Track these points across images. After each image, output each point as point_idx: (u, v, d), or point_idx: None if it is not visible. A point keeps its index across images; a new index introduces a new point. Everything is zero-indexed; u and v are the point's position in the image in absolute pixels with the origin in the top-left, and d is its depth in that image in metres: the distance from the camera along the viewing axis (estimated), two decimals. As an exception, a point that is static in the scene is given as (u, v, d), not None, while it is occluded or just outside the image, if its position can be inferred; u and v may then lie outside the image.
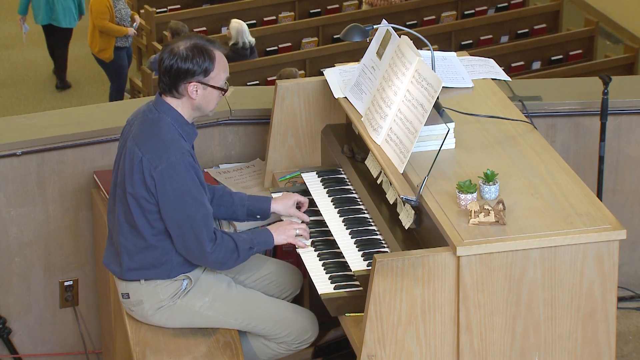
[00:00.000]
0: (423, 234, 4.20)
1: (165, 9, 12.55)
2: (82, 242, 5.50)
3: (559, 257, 3.91)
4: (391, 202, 4.43)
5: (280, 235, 4.54)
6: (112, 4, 10.64)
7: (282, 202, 4.71)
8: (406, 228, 4.26)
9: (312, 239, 4.58)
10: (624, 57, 11.22)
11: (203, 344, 4.52)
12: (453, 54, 5.23)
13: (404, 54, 4.48)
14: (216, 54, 4.30)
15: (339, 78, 4.97)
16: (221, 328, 4.59)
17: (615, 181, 5.70)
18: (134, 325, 4.57)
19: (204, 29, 11.85)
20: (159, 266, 4.42)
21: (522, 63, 11.35)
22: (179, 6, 12.60)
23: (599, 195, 5.40)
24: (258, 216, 4.73)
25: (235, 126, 5.56)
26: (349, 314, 4.26)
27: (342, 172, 4.90)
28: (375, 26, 4.70)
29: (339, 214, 4.61)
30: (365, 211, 4.62)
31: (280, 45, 11.62)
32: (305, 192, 4.85)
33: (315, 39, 11.77)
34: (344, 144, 4.91)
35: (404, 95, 4.41)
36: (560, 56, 11.53)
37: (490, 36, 11.94)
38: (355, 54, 10.48)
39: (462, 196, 4.03)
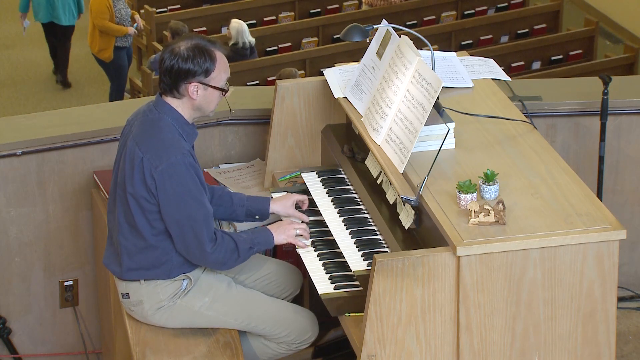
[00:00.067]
0: (423, 234, 4.20)
1: (165, 9, 12.55)
2: (82, 242, 5.50)
3: (559, 257, 3.91)
4: (391, 202, 4.43)
5: (281, 235, 4.54)
6: (112, 4, 10.64)
7: (281, 203, 4.72)
8: (406, 228, 4.26)
9: (312, 239, 4.58)
10: (624, 57, 11.22)
11: (203, 344, 4.52)
12: (453, 54, 5.23)
13: (404, 54, 4.48)
14: (217, 54, 4.30)
15: (339, 78, 4.97)
16: (221, 328, 4.59)
17: (615, 181, 5.70)
18: (134, 325, 4.57)
19: (204, 29, 11.85)
20: (159, 266, 4.42)
21: (522, 63, 11.35)
22: (179, 6, 12.60)
23: (599, 195, 5.40)
24: (257, 216, 4.73)
25: (235, 126, 5.56)
26: (349, 314, 4.26)
27: (342, 172, 4.90)
28: (375, 26, 4.70)
29: (339, 214, 4.61)
30: (365, 211, 4.62)
31: (280, 45, 11.62)
32: (305, 192, 4.85)
33: (315, 39, 11.77)
34: (344, 144, 4.91)
35: (404, 95, 4.41)
36: (560, 56, 11.53)
37: (490, 36, 11.94)
38: (355, 54, 10.48)
39: (462, 196, 4.03)
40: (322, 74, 5.07)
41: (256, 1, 12.25)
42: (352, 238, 4.45)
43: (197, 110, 4.36)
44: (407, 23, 11.82)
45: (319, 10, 12.56)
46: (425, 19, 12.24)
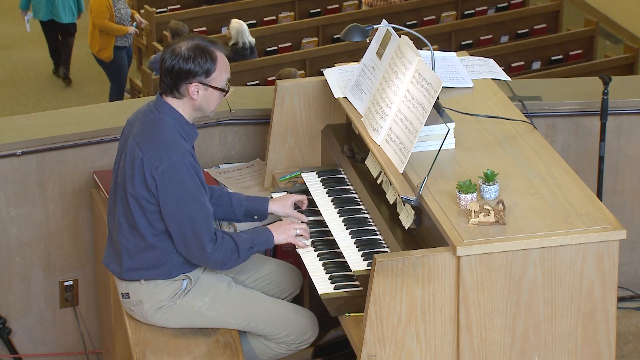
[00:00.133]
0: (423, 234, 4.20)
1: (165, 9, 12.55)
2: (82, 242, 5.50)
3: (559, 257, 3.91)
4: (391, 202, 4.43)
5: (281, 234, 4.54)
6: (112, 4, 10.65)
7: (280, 203, 4.72)
8: (406, 228, 4.26)
9: (312, 239, 4.58)
10: (624, 57, 11.22)
11: (203, 344, 4.52)
12: (453, 54, 5.23)
13: (404, 54, 4.48)
14: (218, 54, 4.30)
15: (339, 78, 4.97)
16: (221, 328, 4.59)
17: (615, 181, 5.70)
18: (134, 325, 4.57)
19: (204, 29, 11.86)
20: (159, 266, 4.42)
21: (522, 63, 11.35)
22: (179, 6, 12.60)
23: (599, 195, 5.40)
24: (255, 217, 4.74)
25: (235, 126, 5.56)
26: (349, 314, 4.26)
27: (342, 172, 4.90)
28: (375, 26, 4.70)
29: (339, 214, 4.61)
30: (365, 211, 4.62)
31: (280, 45, 11.62)
32: (305, 192, 4.85)
33: (315, 39, 11.77)
34: (344, 144, 4.91)
35: (404, 95, 4.41)
36: (560, 56, 11.53)
37: (490, 36, 11.94)
38: (355, 54, 10.48)
39: (462, 196, 4.03)
40: (322, 74, 5.07)
41: (256, 1, 12.25)
42: (352, 238, 4.45)
43: (198, 111, 4.36)
44: (407, 23, 11.81)
45: (319, 10, 12.56)
46: (425, 19, 12.24)
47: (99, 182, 5.24)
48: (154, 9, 12.01)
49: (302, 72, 10.89)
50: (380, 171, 4.53)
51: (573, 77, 9.41)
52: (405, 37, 4.57)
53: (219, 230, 4.40)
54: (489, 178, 4.07)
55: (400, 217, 4.32)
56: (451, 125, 4.38)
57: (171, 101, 4.34)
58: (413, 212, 4.20)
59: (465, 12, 12.47)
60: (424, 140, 4.38)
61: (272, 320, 4.59)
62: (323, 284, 4.32)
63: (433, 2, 12.33)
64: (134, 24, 10.95)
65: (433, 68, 4.67)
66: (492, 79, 5.07)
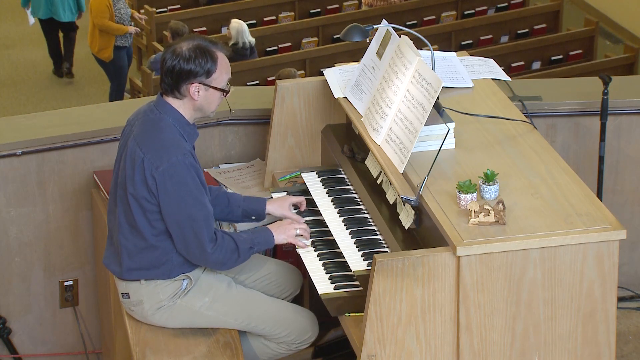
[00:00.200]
0: (423, 234, 4.20)
1: (165, 9, 12.55)
2: (82, 242, 5.50)
3: (559, 257, 3.91)
4: (391, 202, 4.43)
5: (281, 234, 4.54)
6: (112, 3, 10.66)
7: (277, 204, 4.72)
8: (406, 228, 4.26)
9: (312, 239, 4.58)
10: (624, 57, 11.22)
11: (203, 344, 4.52)
12: (453, 54, 5.23)
13: (404, 54, 4.48)
14: (219, 55, 4.30)
15: (339, 78, 4.97)
16: (221, 328, 4.59)
17: (615, 181, 5.70)
18: (134, 325, 4.57)
19: (204, 29, 11.86)
20: (159, 266, 4.42)
21: (522, 63, 11.35)
22: (179, 6, 12.61)
23: (599, 195, 5.40)
24: (253, 217, 4.74)
25: (235, 126, 5.56)
26: (349, 314, 4.26)
27: (342, 172, 4.90)
28: (375, 26, 4.70)
29: (339, 214, 4.61)
30: (365, 211, 4.62)
31: (280, 45, 11.63)
32: (305, 192, 4.85)
33: (315, 39, 11.77)
34: (344, 144, 4.91)
35: (404, 95, 4.41)
36: (560, 56, 11.53)
37: (490, 36, 11.94)
38: (355, 54, 10.48)
39: (462, 196, 4.03)
40: (322, 74, 5.07)
41: (256, 1, 12.25)
42: (352, 238, 4.46)
43: (198, 111, 4.36)
44: (407, 23, 11.82)
45: (319, 10, 12.56)
46: (425, 19, 12.24)
47: (99, 182, 5.24)
48: (154, 9, 12.02)
49: (302, 72, 10.89)
50: (380, 171, 4.53)
51: (573, 77, 9.41)
52: (405, 37, 4.57)
53: (219, 231, 4.40)
54: (489, 178, 4.07)
55: (400, 217, 4.32)
56: (451, 125, 4.38)
57: (172, 101, 4.34)
58: (413, 212, 4.20)
59: (465, 12, 12.47)
60: (424, 140, 4.38)
61: (272, 320, 4.59)
62: (323, 284, 4.32)
63: (433, 2, 12.33)
64: (134, 22, 10.98)
65: (433, 68, 4.67)
66: (492, 79, 5.07)
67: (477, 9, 12.50)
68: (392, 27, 4.65)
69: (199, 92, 4.29)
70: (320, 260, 4.47)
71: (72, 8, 11.53)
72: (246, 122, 5.55)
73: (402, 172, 4.28)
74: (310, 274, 4.41)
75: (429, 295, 3.91)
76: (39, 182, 5.34)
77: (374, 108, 4.56)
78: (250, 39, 10.66)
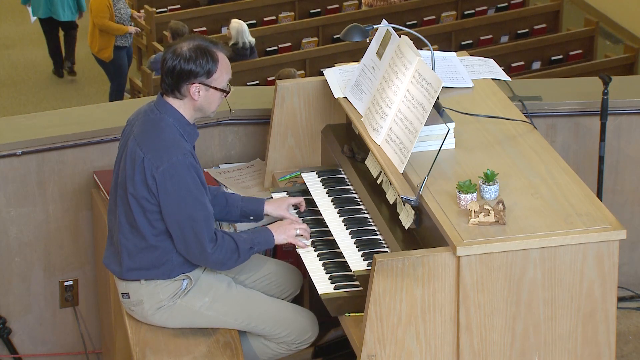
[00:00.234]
0: (423, 234, 4.20)
1: (165, 9, 12.56)
2: (82, 242, 5.50)
3: (559, 257, 3.91)
4: (391, 202, 4.43)
5: (281, 235, 4.54)
6: (112, 3, 10.66)
7: (275, 205, 4.72)
8: (406, 228, 4.26)
9: (312, 239, 4.58)
10: (624, 57, 11.22)
11: (203, 344, 4.52)
12: (453, 54, 5.23)
13: (404, 54, 4.48)
14: (219, 55, 4.30)
15: (339, 78, 4.97)
16: (221, 328, 4.59)
17: (615, 181, 5.70)
18: (134, 325, 4.57)
19: (204, 29, 11.86)
20: (160, 266, 4.42)
21: (522, 63, 11.35)
22: (179, 6, 12.61)
23: (599, 195, 5.40)
24: (251, 217, 4.74)
25: (235, 126, 5.56)
26: (349, 314, 4.26)
27: (342, 172, 4.90)
28: (375, 26, 4.70)
29: (339, 214, 4.61)
30: (365, 211, 4.62)
31: (280, 45, 11.63)
32: (305, 192, 4.85)
33: (315, 39, 11.77)
34: (344, 144, 4.91)
35: (404, 95, 4.41)
36: (560, 56, 11.53)
37: (490, 36, 11.94)
38: (355, 54, 10.48)
39: (462, 196, 4.03)
40: (322, 74, 5.07)
41: (256, 1, 12.25)
42: (352, 238, 4.46)
43: (199, 111, 4.36)
44: (407, 23, 11.82)
45: (319, 10, 12.56)
46: (425, 19, 12.24)
47: (99, 182, 5.24)
48: (154, 9, 12.02)
49: (302, 72, 10.89)
50: (380, 171, 4.53)
51: (573, 77, 9.41)
52: (405, 37, 4.57)
53: (219, 231, 4.40)
54: (489, 178, 4.07)
55: (400, 217, 4.32)
56: (451, 125, 4.38)
57: (172, 101, 4.34)
58: (413, 212, 4.20)
59: (465, 12, 12.47)
60: (424, 140, 4.38)
61: (272, 320, 4.59)
62: (323, 284, 4.32)
63: (433, 2, 12.33)
64: (134, 18, 10.99)
65: (433, 68, 4.67)
66: (492, 79, 5.08)
67: (477, 9, 12.50)
68: (392, 27, 4.65)
69: (199, 92, 4.29)
70: (320, 260, 4.47)
71: (71, 7, 11.54)
72: (246, 122, 5.55)
73: (402, 172, 4.28)
74: (310, 274, 4.41)
75: (429, 295, 3.91)
76: (39, 182, 5.34)
77: (374, 108, 4.56)
78: (250, 39, 10.66)
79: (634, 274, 5.83)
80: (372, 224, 4.54)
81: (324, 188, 4.81)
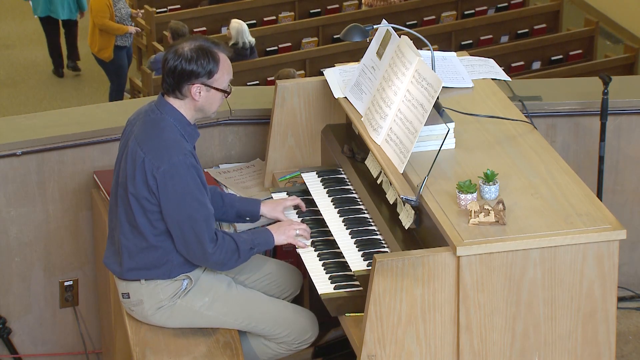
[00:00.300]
0: (423, 234, 4.20)
1: (165, 9, 12.56)
2: (82, 242, 5.50)
3: (559, 257, 3.91)
4: (391, 202, 4.43)
5: (281, 235, 4.54)
6: (112, 3, 10.66)
7: (271, 206, 4.72)
8: (406, 228, 4.26)
9: (312, 239, 4.58)
10: (624, 57, 11.23)
11: (203, 344, 4.52)
12: (453, 54, 5.23)
13: (404, 54, 4.48)
14: (221, 56, 4.30)
15: (339, 78, 4.97)
16: (221, 328, 4.59)
17: (615, 181, 5.70)
18: (134, 325, 4.57)
19: (204, 29, 11.86)
20: (160, 266, 4.42)
21: (522, 63, 11.35)
22: (179, 6, 12.61)
23: (599, 195, 5.40)
24: (247, 218, 4.74)
25: (235, 126, 5.56)
26: (349, 314, 4.26)
27: (342, 172, 4.90)
28: (375, 26, 4.70)
29: (339, 214, 4.61)
30: (365, 211, 4.62)
31: (280, 45, 11.63)
32: (305, 192, 4.85)
33: (315, 39, 11.77)
34: (344, 144, 4.91)
35: (404, 95, 4.41)
36: (560, 56, 11.54)
37: (490, 36, 11.94)
38: (355, 54, 10.48)
39: (462, 196, 4.03)
40: (322, 74, 5.07)
41: (256, 1, 12.25)
42: (352, 238, 4.46)
43: (199, 111, 4.37)
44: (407, 23, 11.82)
45: (319, 10, 12.56)
46: (425, 19, 12.24)
47: (99, 182, 5.24)
48: (154, 9, 12.02)
49: (302, 72, 10.89)
50: (380, 171, 4.53)
51: (573, 77, 9.41)
52: (405, 37, 4.57)
53: (220, 231, 4.40)
54: (489, 178, 4.07)
55: (400, 217, 4.32)
56: (451, 125, 4.38)
57: (173, 101, 4.34)
58: (413, 212, 4.20)
59: (465, 12, 12.48)
60: (424, 140, 4.38)
61: (272, 321, 4.59)
62: (323, 284, 4.32)
63: (433, 2, 12.33)
64: (132, 23, 10.98)
65: (433, 68, 4.67)
66: (492, 79, 5.07)
67: (477, 9, 12.50)
68: (392, 27, 4.65)
69: (200, 92, 4.29)
70: (320, 260, 4.47)
71: (71, 6, 11.53)
72: (246, 122, 5.55)
73: (402, 172, 4.28)
74: (310, 274, 4.41)
75: (429, 295, 3.91)
76: (39, 182, 5.34)
77: (374, 108, 4.56)
78: (250, 39, 10.66)
79: (634, 274, 5.83)
80: (372, 224, 4.54)
81: (324, 188, 4.81)
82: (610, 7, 13.27)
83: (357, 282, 4.28)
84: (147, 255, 4.40)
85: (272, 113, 5.11)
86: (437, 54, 5.04)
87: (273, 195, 4.88)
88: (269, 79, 10.64)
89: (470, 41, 11.81)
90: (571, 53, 11.57)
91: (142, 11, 11.87)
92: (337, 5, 12.62)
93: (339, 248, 4.43)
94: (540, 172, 4.26)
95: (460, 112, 4.62)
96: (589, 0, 13.57)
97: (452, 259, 3.88)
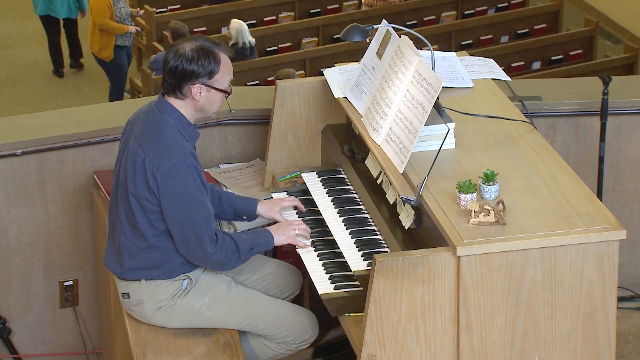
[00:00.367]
0: (423, 234, 4.20)
1: (165, 9, 12.55)
2: (82, 242, 5.50)
3: (559, 257, 3.91)
4: (391, 202, 4.43)
5: (281, 235, 4.54)
6: (112, 3, 10.66)
7: (267, 206, 4.72)
8: (406, 228, 4.26)
9: (312, 239, 4.58)
10: (624, 57, 11.22)
11: (203, 344, 4.52)
12: (453, 54, 5.23)
13: (404, 54, 4.48)
14: (221, 56, 4.30)
15: (339, 78, 4.97)
16: (221, 328, 4.59)
17: (615, 181, 5.70)
18: (134, 325, 4.57)
19: (204, 29, 11.86)
20: (160, 266, 4.42)
21: (522, 63, 11.35)
22: (179, 6, 12.60)
23: (599, 195, 5.40)
24: (244, 217, 4.74)
25: (235, 126, 5.56)
26: (349, 314, 4.26)
27: (342, 172, 4.90)
28: (375, 26, 4.70)
29: (339, 214, 4.61)
30: (365, 211, 4.62)
31: (280, 45, 11.62)
32: (305, 192, 4.85)
33: (315, 39, 11.77)
34: (344, 144, 4.91)
35: (404, 95, 4.41)
36: (560, 56, 11.53)
37: (490, 36, 11.94)
38: (355, 54, 10.48)
39: (462, 196, 4.03)
40: (322, 74, 5.07)
41: (256, 1, 12.25)
42: (352, 238, 4.46)
43: (200, 112, 4.37)
44: (407, 23, 11.82)
45: (319, 10, 12.56)
46: (425, 19, 12.24)
47: (99, 182, 5.24)
48: (154, 9, 12.01)
49: (302, 72, 10.89)
50: (380, 171, 4.53)
51: (573, 77, 9.41)
52: (405, 37, 4.57)
53: (220, 231, 4.40)
54: (489, 178, 4.07)
55: (400, 217, 4.32)
56: (451, 125, 4.38)
57: (173, 101, 4.34)
58: (413, 212, 4.20)
59: (465, 12, 12.47)
60: (424, 140, 4.38)
61: (272, 321, 4.60)
62: (323, 284, 4.32)
63: (433, 2, 12.33)
64: (132, 23, 10.98)
65: (433, 68, 4.67)
66: (492, 79, 5.07)
67: (477, 9, 12.50)
68: (392, 27, 4.65)
69: (200, 92, 4.29)
70: (320, 260, 4.47)
71: (71, 5, 11.52)
72: (246, 122, 5.55)
73: (402, 172, 4.28)
74: (310, 274, 4.41)
75: (429, 295, 3.91)
76: (39, 182, 5.34)
77: (374, 108, 4.56)
78: (250, 39, 10.66)
79: (634, 274, 5.83)
80: (372, 224, 4.54)
81: (324, 188, 4.81)
82: (610, 7, 13.27)
83: (357, 282, 4.28)
84: (148, 255, 4.40)
85: (272, 113, 5.11)
86: (437, 54, 5.04)
87: (273, 195, 4.88)
88: (269, 79, 10.64)
89: (470, 41, 11.81)
90: (571, 53, 11.57)
91: (142, 10, 11.88)
92: (337, 5, 12.62)
93: (339, 248, 4.43)
94: (540, 172, 4.26)
95: (460, 112, 4.62)
96: (589, 0, 13.57)
97: (452, 259, 3.88)
